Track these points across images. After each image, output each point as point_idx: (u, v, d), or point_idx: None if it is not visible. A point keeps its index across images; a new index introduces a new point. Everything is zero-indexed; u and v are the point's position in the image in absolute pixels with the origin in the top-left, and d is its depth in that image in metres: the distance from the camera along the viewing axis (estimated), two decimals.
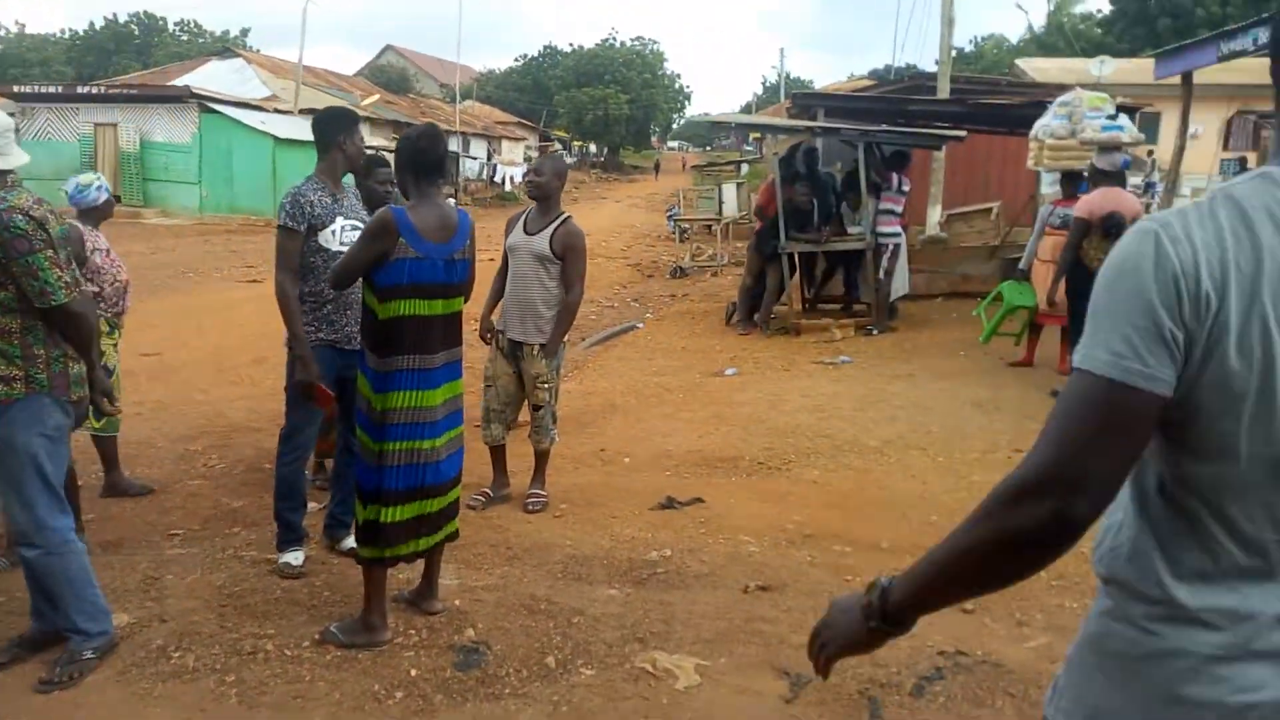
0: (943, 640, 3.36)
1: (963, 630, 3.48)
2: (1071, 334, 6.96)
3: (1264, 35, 8.65)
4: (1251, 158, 15.93)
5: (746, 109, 61.63)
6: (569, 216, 4.68)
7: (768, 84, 65.71)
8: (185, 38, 58.50)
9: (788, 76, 60.62)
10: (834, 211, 10.33)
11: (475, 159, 37.61)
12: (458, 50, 50.40)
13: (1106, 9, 34.44)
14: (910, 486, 5.18)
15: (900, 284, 10.18)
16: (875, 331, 9.63)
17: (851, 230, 10.01)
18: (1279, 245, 1.02)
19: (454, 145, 35.20)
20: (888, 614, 1.27)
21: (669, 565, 4.01)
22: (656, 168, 54.88)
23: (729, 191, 18.71)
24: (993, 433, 6.14)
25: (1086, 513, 1.09)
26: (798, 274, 10.64)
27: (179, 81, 27.61)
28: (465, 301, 3.55)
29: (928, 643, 3.34)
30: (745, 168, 27.62)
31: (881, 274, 9.80)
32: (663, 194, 33.23)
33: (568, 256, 4.60)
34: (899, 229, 9.95)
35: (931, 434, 6.14)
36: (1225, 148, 22.86)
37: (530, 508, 4.72)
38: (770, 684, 3.08)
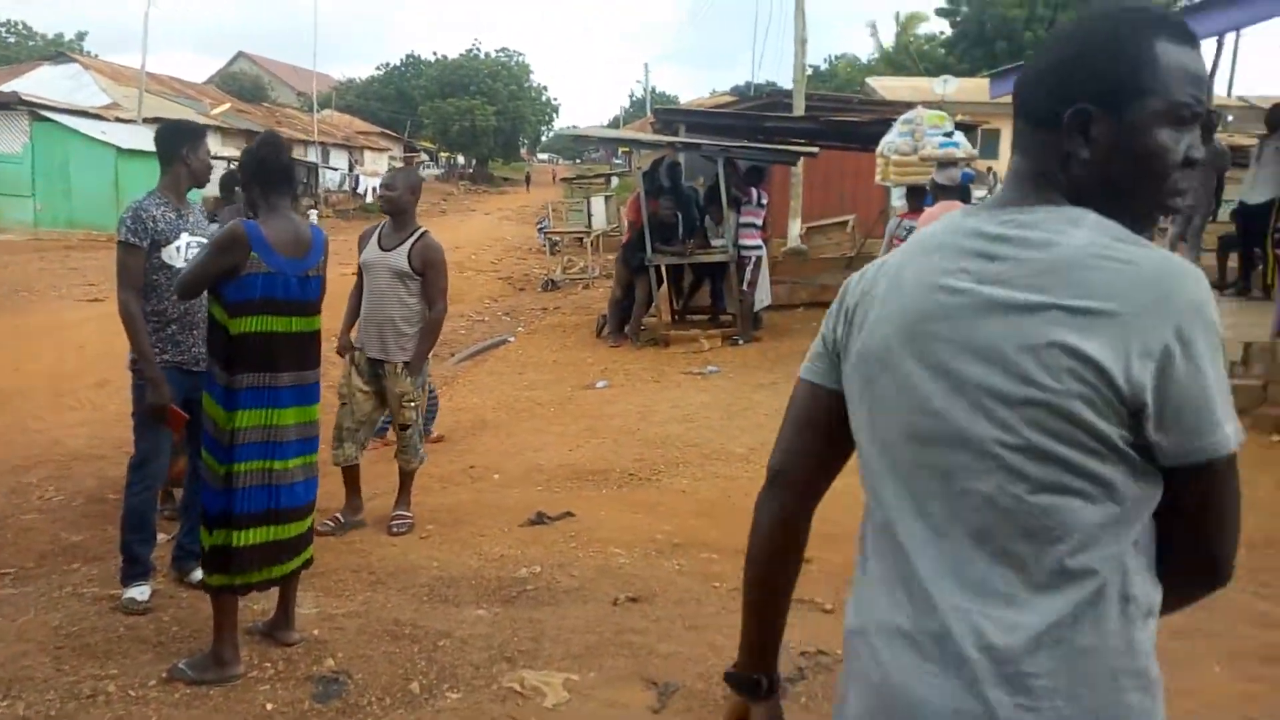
0: (804, 641, 3.47)
1: (823, 630, 3.60)
2: None
3: None
4: None
5: (615, 122, 62.18)
6: (426, 231, 4.62)
7: (635, 98, 66.56)
8: (13, 40, 54.50)
9: (653, 91, 61.53)
10: (698, 225, 10.55)
11: (336, 170, 36.54)
12: (314, 58, 48.92)
13: (949, 31, 36.46)
14: None
15: (763, 295, 10.47)
16: (741, 342, 9.87)
17: (715, 243, 10.24)
18: (922, 266, 1.15)
19: (313, 156, 34.09)
20: (737, 676, 1.40)
21: (539, 582, 4.00)
22: (528, 180, 54.63)
23: (598, 204, 18.84)
24: None
25: (795, 500, 1.31)
26: (665, 286, 10.81)
27: (6, 87, 25.67)
28: None
29: (789, 644, 3.44)
30: (615, 181, 27.86)
31: (745, 285, 10.07)
32: (534, 206, 33.12)
33: (428, 272, 4.53)
34: (760, 242, 10.25)
35: None
36: None
37: (395, 530, 4.61)
38: (638, 695, 3.11)
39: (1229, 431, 1.02)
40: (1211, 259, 9.86)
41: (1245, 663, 3.23)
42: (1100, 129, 1.09)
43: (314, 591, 3.85)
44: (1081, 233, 1.06)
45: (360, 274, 4.68)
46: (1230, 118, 21.99)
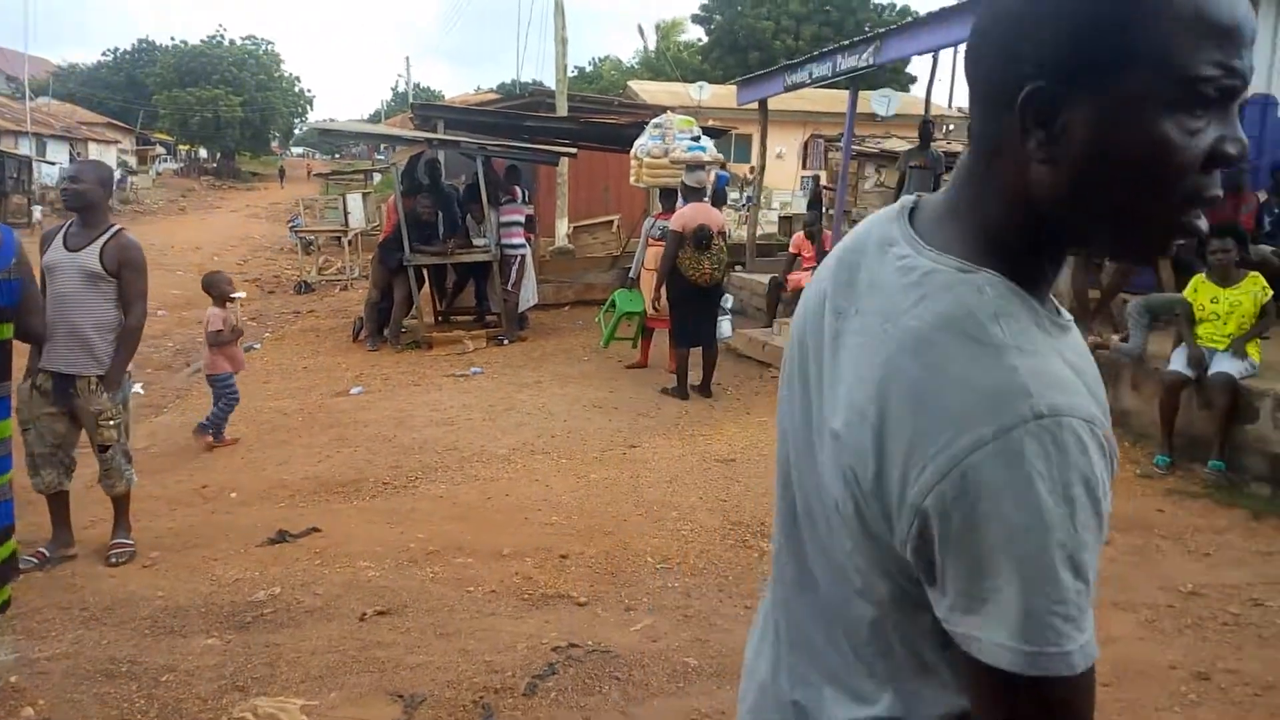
0: (558, 636, 3.48)
1: (577, 623, 3.63)
2: (674, 336, 7.58)
3: (818, 69, 10.06)
4: (824, 175, 18.49)
5: (375, 117, 59.94)
6: (121, 228, 4.18)
7: (398, 92, 64.51)
8: None
9: (417, 86, 59.90)
10: (459, 224, 10.37)
11: (55, 164, 32.81)
12: (25, 39, 43.59)
13: (704, 39, 38.09)
14: (534, 490, 5.32)
15: (529, 294, 10.47)
16: (506, 341, 9.81)
17: (477, 242, 10.11)
18: (830, 272, 0.96)
19: (26, 148, 30.49)
20: None
21: (278, 604, 3.76)
22: (281, 175, 51.55)
23: (354, 202, 18.07)
24: (610, 431, 6.51)
25: None
26: (427, 286, 10.54)
27: None
28: (14, 330, 3.07)
29: (543, 640, 3.45)
30: (377, 178, 26.86)
31: (509, 285, 10.02)
32: (286, 203, 31.29)
33: (124, 273, 4.09)
34: (524, 241, 10.23)
35: (555, 438, 6.37)
36: (804, 166, 26.25)
37: (113, 560, 4.17)
38: (383, 710, 2.99)
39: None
40: None
41: None
42: (1072, 117, 0.76)
43: (12, 635, 3.42)
44: (917, 287, 0.81)
45: (43, 279, 4.15)
46: (950, 126, 24.41)
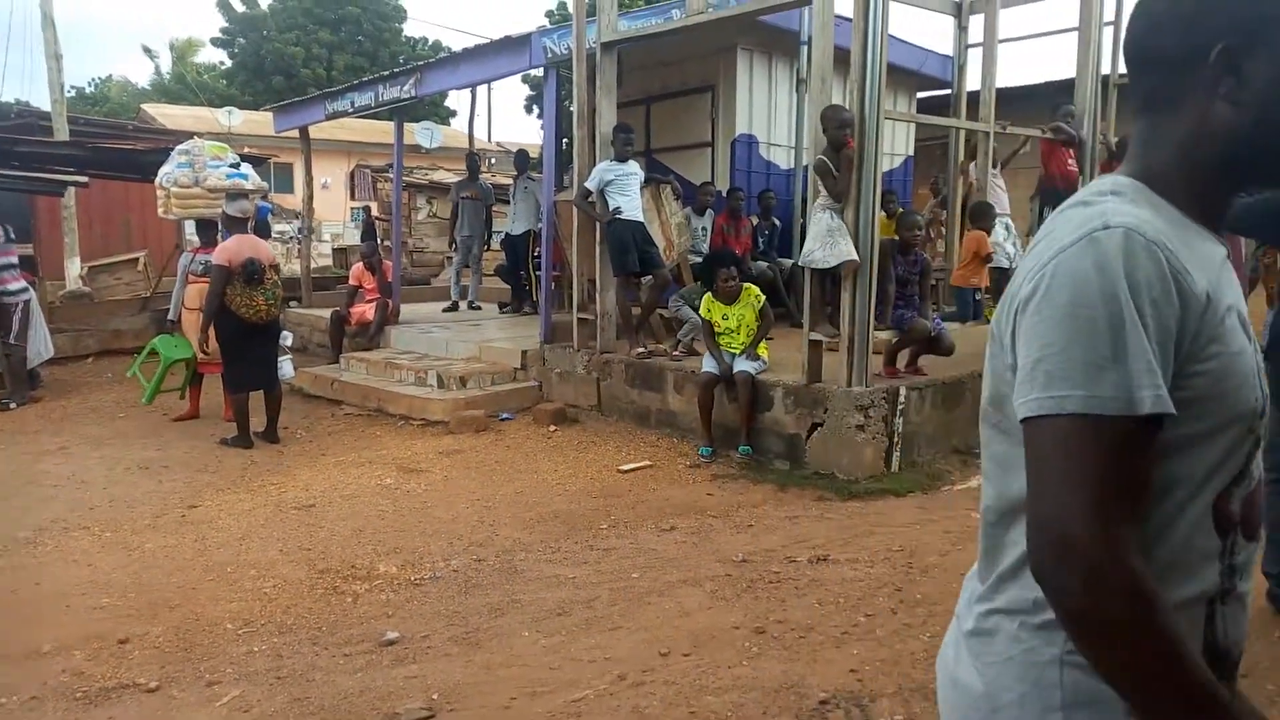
0: None
1: (148, 713, 3.19)
2: (228, 380, 6.99)
3: (360, 98, 9.94)
4: (375, 206, 18.25)
5: None
6: None
7: None
8: None
9: None
10: None
11: None
12: None
13: (228, 62, 35.56)
14: (74, 572, 4.56)
15: (40, 346, 8.94)
16: (14, 405, 8.29)
17: None
18: None
19: None
20: None
21: None
22: None
23: None
24: (163, 494, 5.81)
25: None
26: None
27: None
28: None
29: None
30: None
31: (11, 338, 8.48)
32: None
33: None
34: (25, 285, 8.73)
35: (95, 509, 5.52)
36: (353, 197, 25.66)
37: None
38: None
39: (1033, 397, 0.93)
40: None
41: (548, 623, 3.75)
42: (1255, 66, 0.96)
43: None
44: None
45: None
46: (494, 160, 25.47)
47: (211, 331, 6.72)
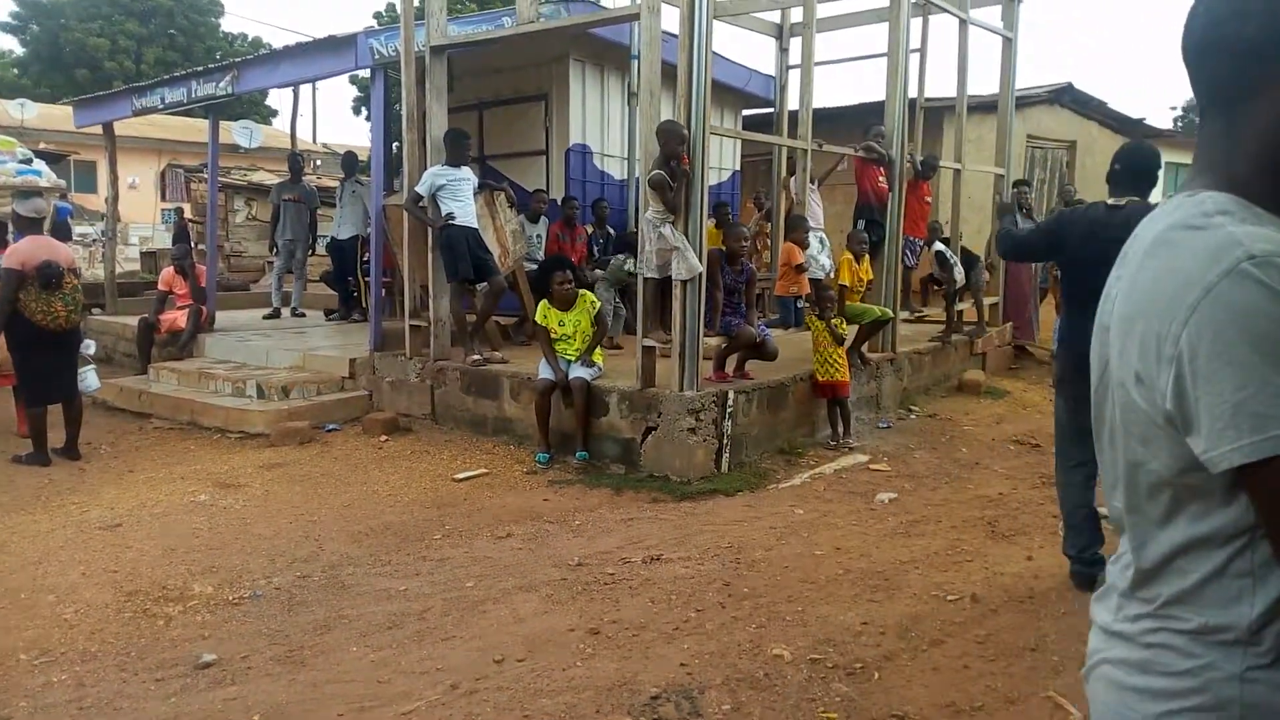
0: None
1: None
2: (23, 393, 6.43)
3: (172, 94, 9.37)
4: (188, 208, 17.18)
5: None
6: None
7: None
8: None
9: None
10: None
11: None
12: None
13: (19, 50, 32.62)
14: None
15: None
16: None
17: None
18: None
19: None
20: None
21: None
22: None
23: None
24: None
25: None
26: None
27: None
28: None
29: None
30: None
31: None
32: None
33: None
34: None
35: None
36: (164, 198, 24.06)
37: None
38: None
39: (1246, 443, 0.90)
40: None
41: (378, 637, 3.66)
42: None
43: None
44: (1164, 217, 1.03)
45: None
46: (319, 161, 24.53)
47: (1, 340, 6.15)
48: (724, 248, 6.55)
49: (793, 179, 8.77)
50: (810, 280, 8.08)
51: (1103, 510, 4.46)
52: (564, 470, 6.16)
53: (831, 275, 7.49)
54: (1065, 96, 14.10)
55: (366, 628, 3.74)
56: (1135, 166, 3.84)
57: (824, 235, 8.72)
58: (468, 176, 7.13)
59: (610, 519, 5.18)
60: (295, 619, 3.87)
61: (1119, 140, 12.44)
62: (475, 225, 7.12)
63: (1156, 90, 76.80)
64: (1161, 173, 4.06)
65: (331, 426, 7.21)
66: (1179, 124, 40.30)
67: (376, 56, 7.56)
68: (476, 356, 7.10)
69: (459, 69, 9.49)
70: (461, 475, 6.05)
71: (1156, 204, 1.51)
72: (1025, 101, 12.43)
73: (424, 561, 4.55)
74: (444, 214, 6.92)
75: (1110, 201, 3.83)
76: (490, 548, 4.74)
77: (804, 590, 3.97)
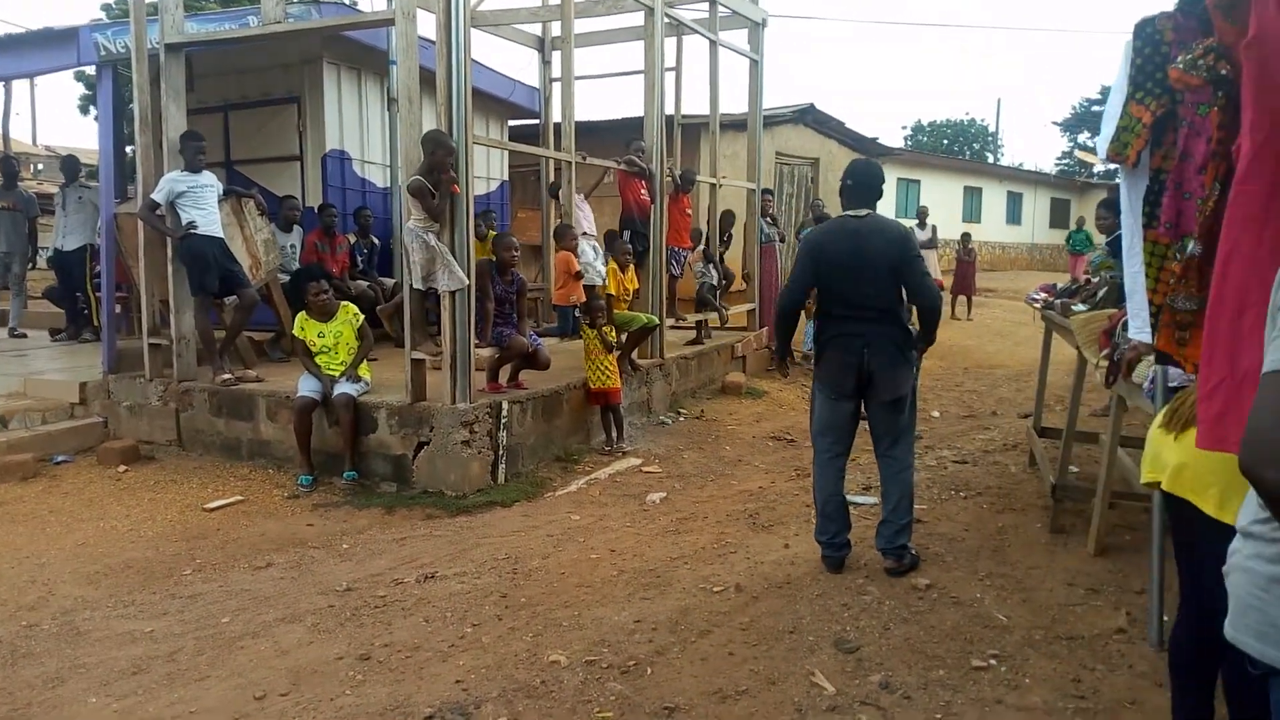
0: None
1: None
2: None
3: None
4: None
5: None
6: None
7: None
8: None
9: None
10: None
11: None
12: None
13: None
14: None
15: None
16: None
17: None
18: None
19: None
20: None
21: None
22: None
23: None
24: None
25: None
26: None
27: None
28: None
29: None
30: None
31: None
32: None
33: None
34: None
35: None
36: None
37: None
38: None
39: None
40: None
41: (121, 684, 3.34)
42: None
43: None
44: None
45: None
46: (40, 165, 22.02)
47: None
48: (494, 257, 6.52)
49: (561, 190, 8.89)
50: (586, 287, 8.21)
51: (853, 498, 4.85)
52: (330, 492, 5.88)
53: (603, 284, 7.66)
54: (808, 116, 15.18)
55: (107, 675, 3.39)
56: (864, 182, 4.21)
57: (596, 243, 8.90)
58: (210, 182, 6.66)
59: (381, 539, 5.00)
60: (21, 673, 3.45)
61: (855, 157, 13.55)
62: (221, 234, 6.66)
63: (888, 112, 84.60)
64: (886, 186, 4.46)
65: (61, 458, 6.49)
66: (908, 143, 44.57)
67: (103, 52, 6.90)
68: (227, 376, 6.63)
69: (201, 68, 8.86)
70: (214, 504, 5.63)
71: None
72: (772, 120, 13.27)
73: (173, 600, 4.20)
74: (185, 223, 6.43)
75: (851, 213, 4.17)
76: (248, 580, 4.45)
77: (580, 594, 4.02)
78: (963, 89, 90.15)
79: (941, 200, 22.91)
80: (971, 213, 26.97)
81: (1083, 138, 44.98)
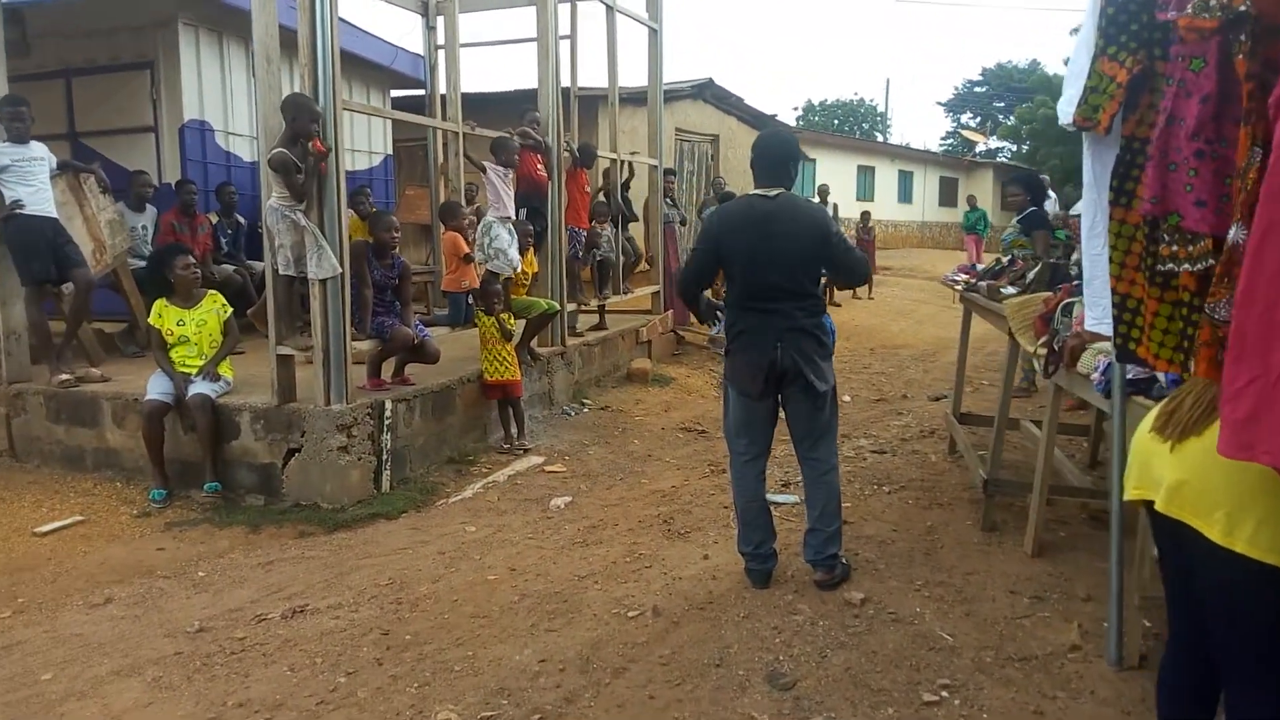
0: None
1: None
2: None
3: None
4: None
5: None
6: None
7: None
8: None
9: None
10: None
11: None
12: None
13: None
14: None
15: None
16: None
17: None
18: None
19: None
20: None
21: None
22: None
23: None
24: None
25: None
26: None
27: None
28: None
29: None
30: None
31: None
32: None
33: None
34: None
35: None
36: None
37: None
38: None
39: None
40: None
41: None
42: None
43: None
44: None
45: None
46: None
47: None
48: (371, 239, 5.87)
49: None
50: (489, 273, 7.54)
51: (772, 498, 4.45)
52: (187, 508, 5.18)
53: (519, 270, 6.96)
54: (707, 92, 14.80)
55: None
56: (776, 157, 3.79)
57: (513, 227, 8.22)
58: (41, 155, 5.79)
59: (244, 564, 4.36)
60: None
61: (755, 134, 13.27)
62: (54, 214, 5.81)
63: (779, 90, 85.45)
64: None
65: None
66: (800, 121, 44.91)
67: None
68: (66, 376, 5.81)
69: (36, 28, 7.83)
70: (46, 527, 4.86)
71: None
72: (672, 95, 12.82)
73: None
74: (9, 202, 5.57)
75: (761, 192, 3.74)
76: (81, 621, 3.77)
77: (476, 628, 3.50)
78: (852, 69, 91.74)
79: (836, 179, 22.93)
80: (865, 191, 27.21)
81: (965, 117, 46.23)
